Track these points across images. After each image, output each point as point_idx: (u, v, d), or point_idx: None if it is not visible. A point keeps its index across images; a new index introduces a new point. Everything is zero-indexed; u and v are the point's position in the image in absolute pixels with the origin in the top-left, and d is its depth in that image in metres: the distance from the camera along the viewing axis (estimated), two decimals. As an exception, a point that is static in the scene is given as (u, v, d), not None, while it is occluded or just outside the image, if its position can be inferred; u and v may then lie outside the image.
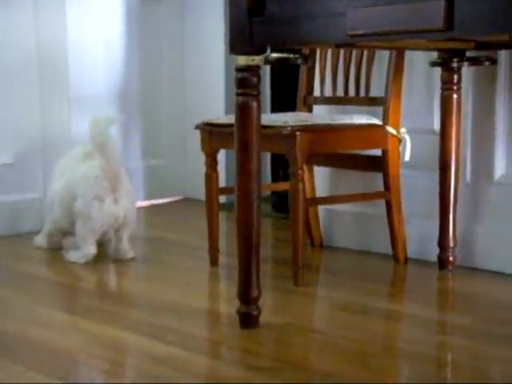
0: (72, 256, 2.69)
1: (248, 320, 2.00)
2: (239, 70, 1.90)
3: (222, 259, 2.66)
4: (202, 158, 2.64)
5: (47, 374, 1.71)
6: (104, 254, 2.74)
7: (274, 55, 1.88)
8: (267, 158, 4.01)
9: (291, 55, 1.91)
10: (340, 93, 2.75)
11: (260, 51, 1.87)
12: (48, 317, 2.13)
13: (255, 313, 2.00)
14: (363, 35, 1.69)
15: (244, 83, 1.90)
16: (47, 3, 3.27)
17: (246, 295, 1.98)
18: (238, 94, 1.91)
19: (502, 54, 2.48)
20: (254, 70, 1.89)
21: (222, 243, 2.70)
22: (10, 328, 2.04)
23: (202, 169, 2.64)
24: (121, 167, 2.70)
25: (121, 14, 3.75)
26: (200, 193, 3.66)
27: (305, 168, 2.42)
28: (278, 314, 2.16)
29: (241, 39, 1.88)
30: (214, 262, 2.65)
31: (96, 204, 2.63)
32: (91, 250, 2.66)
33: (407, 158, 2.59)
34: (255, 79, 1.90)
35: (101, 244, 2.73)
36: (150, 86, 3.90)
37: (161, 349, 1.87)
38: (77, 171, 2.74)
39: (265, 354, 1.88)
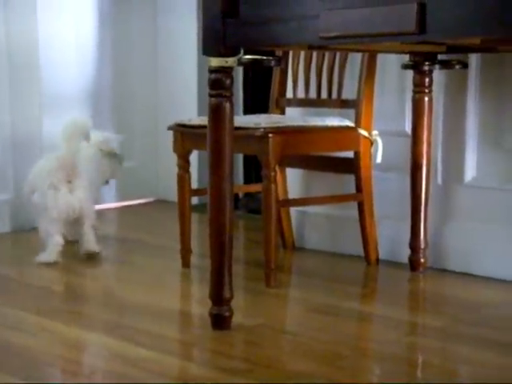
0: (41, 257, 2.67)
1: (220, 321, 1.99)
2: (212, 71, 1.90)
3: (194, 260, 2.66)
4: (174, 159, 2.63)
5: (12, 374, 1.69)
6: (73, 255, 2.73)
7: (247, 57, 1.89)
8: (240, 159, 4.01)
9: (264, 57, 1.91)
10: (313, 95, 2.76)
11: (233, 53, 1.87)
12: (16, 318, 2.11)
13: (227, 314, 2.00)
14: (336, 37, 1.70)
15: (217, 85, 1.90)
16: (17, 4, 3.24)
17: (218, 296, 1.98)
18: (211, 96, 1.91)
19: (473, 58, 2.50)
20: (227, 71, 1.89)
21: (194, 245, 2.69)
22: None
23: (175, 170, 2.63)
24: (79, 160, 2.72)
25: (93, 12, 3.73)
26: (172, 194, 3.66)
27: (277, 169, 2.42)
28: (250, 315, 2.16)
29: (214, 41, 1.88)
30: (185, 263, 2.64)
31: (51, 193, 2.65)
32: (57, 240, 2.66)
33: (379, 159, 2.60)
34: (228, 81, 1.90)
35: (69, 243, 2.72)
36: (121, 86, 3.88)
37: (131, 350, 1.86)
38: (35, 166, 2.77)
39: (237, 356, 1.88)
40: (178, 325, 2.15)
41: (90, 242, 2.71)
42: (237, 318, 2.02)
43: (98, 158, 2.91)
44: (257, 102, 3.98)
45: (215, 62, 1.88)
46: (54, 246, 2.65)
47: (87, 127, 2.74)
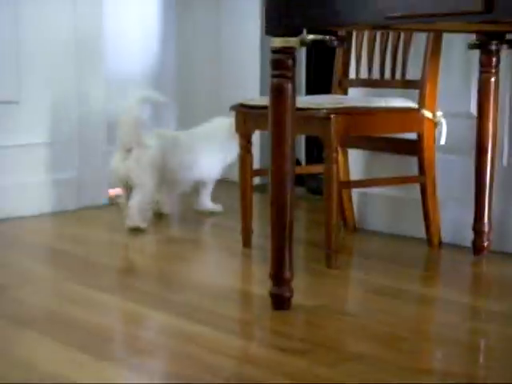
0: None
1: (280, 301, 2.00)
2: (275, 51, 1.89)
3: (254, 241, 2.67)
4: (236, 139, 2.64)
5: (81, 349, 1.73)
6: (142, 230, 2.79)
7: (310, 37, 1.87)
8: (302, 139, 4.00)
9: (327, 37, 1.89)
10: (376, 75, 2.73)
11: (296, 33, 1.87)
12: (81, 294, 2.16)
13: (287, 294, 2.00)
14: (400, 17, 1.67)
15: (279, 65, 1.89)
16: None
17: (279, 276, 1.99)
18: (273, 76, 1.91)
19: (542, 37, 2.44)
20: (289, 51, 1.88)
21: (256, 225, 2.71)
22: (44, 304, 2.07)
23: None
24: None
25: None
26: (234, 174, 3.68)
27: (339, 151, 2.41)
28: (310, 296, 2.16)
29: (277, 20, 1.88)
30: (247, 243, 2.66)
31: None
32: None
33: (443, 141, 2.57)
34: (290, 61, 1.89)
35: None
36: (185, 67, 3.91)
37: (192, 328, 1.88)
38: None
39: (296, 336, 1.89)
40: (239, 304, 2.17)
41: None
42: (297, 299, 2.02)
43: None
44: (319, 83, 3.95)
45: (278, 41, 1.88)
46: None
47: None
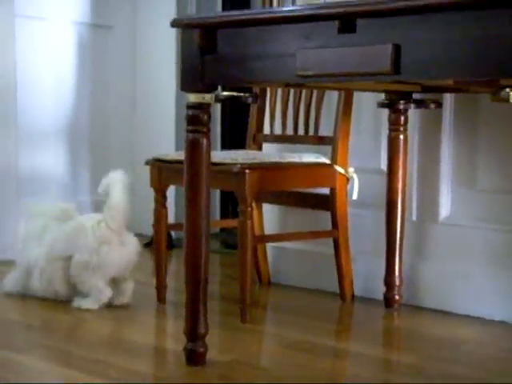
0: (83, 303, 2.56)
1: (194, 357, 1.99)
2: (190, 107, 1.91)
3: (169, 296, 2.65)
4: (150, 193, 2.64)
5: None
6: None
7: (225, 93, 1.90)
8: (216, 194, 4.02)
9: (242, 94, 1.93)
10: (290, 131, 2.78)
11: (211, 89, 1.89)
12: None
13: (202, 350, 1.99)
14: (312, 76, 1.72)
15: (194, 120, 1.91)
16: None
17: (193, 332, 1.98)
18: (188, 131, 1.92)
19: (447, 98, 2.54)
20: (204, 107, 1.90)
21: (170, 280, 2.68)
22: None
23: (151, 205, 2.63)
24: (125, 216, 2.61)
25: (72, 49, 3.75)
26: (148, 228, 3.65)
27: (253, 205, 2.44)
28: (224, 351, 2.15)
29: (192, 77, 1.90)
30: (161, 298, 2.63)
31: (105, 248, 2.55)
32: (107, 293, 2.55)
33: (355, 196, 2.63)
34: (206, 117, 1.91)
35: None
36: (99, 120, 3.89)
37: (105, 386, 1.85)
38: (62, 229, 2.62)
39: (211, 392, 1.87)
40: (153, 360, 2.14)
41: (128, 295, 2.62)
42: (211, 354, 2.01)
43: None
44: (234, 138, 4.01)
45: (193, 97, 1.90)
46: (102, 296, 2.54)
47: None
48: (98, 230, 2.55)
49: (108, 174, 2.64)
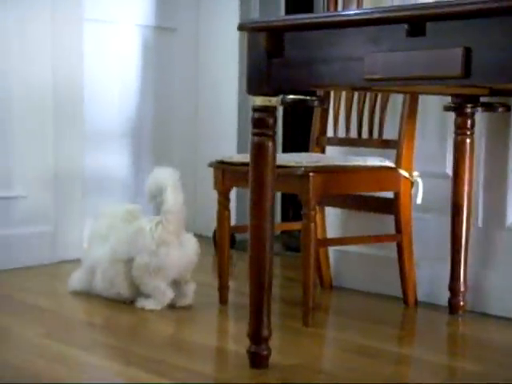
0: (147, 304, 2.58)
1: (258, 360, 1.99)
2: (256, 110, 1.91)
3: (231, 297, 2.66)
4: (212, 195, 2.65)
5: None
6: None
7: (291, 97, 1.90)
8: (278, 197, 4.02)
9: (307, 97, 1.92)
10: (353, 134, 2.77)
11: (277, 92, 1.89)
12: (55, 351, 2.12)
13: (265, 353, 1.99)
14: (380, 80, 1.71)
15: (260, 123, 1.91)
16: (65, 40, 3.31)
17: (257, 335, 1.98)
18: (254, 134, 1.93)
19: (516, 101, 2.50)
20: (270, 110, 1.90)
21: (232, 281, 2.69)
22: (15, 361, 2.04)
23: (213, 206, 2.65)
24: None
25: (136, 51, 3.80)
26: (210, 230, 3.68)
27: (317, 208, 2.43)
28: (287, 354, 2.14)
29: (258, 80, 1.90)
30: (223, 299, 2.65)
31: (163, 250, 2.55)
32: (169, 294, 2.57)
33: (419, 200, 2.59)
34: (271, 120, 1.91)
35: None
36: (162, 123, 3.93)
37: (169, 387, 1.86)
38: (125, 231, 2.63)
39: (274, 395, 1.87)
40: (215, 361, 2.15)
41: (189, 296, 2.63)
42: (273, 357, 2.01)
43: None
44: (295, 141, 4.00)
45: (259, 101, 1.90)
46: (165, 298, 2.56)
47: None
48: (155, 231, 2.56)
49: (154, 171, 2.63)
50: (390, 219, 2.64)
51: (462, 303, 2.55)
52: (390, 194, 2.62)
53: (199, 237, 3.51)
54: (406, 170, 2.58)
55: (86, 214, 3.33)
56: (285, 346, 2.24)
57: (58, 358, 2.07)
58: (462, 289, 2.55)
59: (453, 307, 2.56)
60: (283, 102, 1.89)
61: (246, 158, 2.00)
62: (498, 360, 2.12)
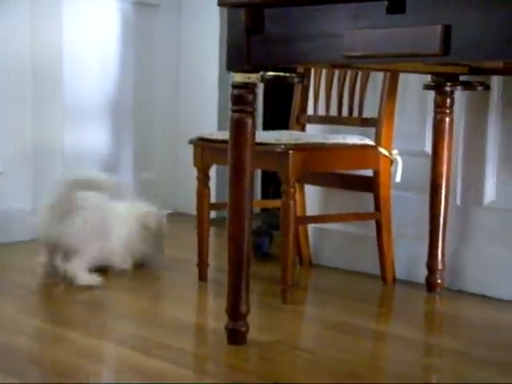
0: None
1: (236, 336, 1.99)
2: (235, 86, 1.91)
3: (210, 274, 2.66)
4: (193, 172, 2.65)
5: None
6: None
7: (271, 73, 1.89)
8: (258, 174, 4.02)
9: (287, 74, 1.92)
10: (333, 112, 2.76)
11: (257, 69, 1.88)
12: (35, 327, 2.12)
13: (243, 329, 2.00)
14: (360, 57, 1.70)
15: (240, 100, 1.91)
16: (44, 14, 3.28)
17: (235, 311, 1.98)
18: (233, 111, 1.92)
19: (495, 80, 2.50)
20: (250, 87, 1.90)
21: (211, 258, 2.70)
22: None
23: (193, 183, 2.65)
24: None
25: (117, 25, 3.76)
26: (190, 207, 3.67)
27: (296, 186, 2.43)
28: (265, 331, 2.15)
29: (238, 57, 1.89)
30: (202, 276, 2.65)
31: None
32: None
33: (398, 179, 2.60)
34: (251, 96, 1.91)
35: None
36: (143, 99, 3.90)
37: (146, 362, 1.86)
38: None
39: (252, 371, 1.88)
40: (194, 338, 2.16)
41: None
42: (252, 334, 2.02)
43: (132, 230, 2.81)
44: (276, 118, 3.99)
45: (239, 77, 1.89)
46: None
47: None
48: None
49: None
50: (369, 197, 2.65)
51: (439, 281, 2.57)
52: (369, 172, 2.63)
53: (180, 214, 3.53)
54: (386, 148, 2.58)
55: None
56: (263, 322, 2.25)
57: (37, 334, 2.06)
58: (439, 267, 2.57)
59: (430, 285, 2.58)
60: (263, 79, 1.88)
61: (226, 135, 1.99)
62: (474, 337, 2.14)
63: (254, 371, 1.88)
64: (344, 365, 1.90)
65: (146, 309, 2.35)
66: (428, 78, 2.51)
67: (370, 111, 2.66)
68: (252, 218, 1.97)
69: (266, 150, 2.37)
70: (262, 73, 1.88)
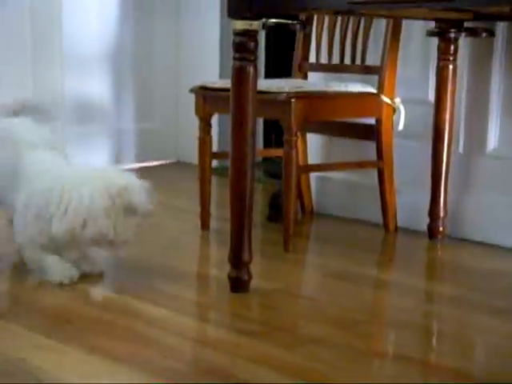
0: None
1: (238, 284, 2.01)
2: (237, 34, 1.89)
3: (212, 223, 2.67)
4: (194, 121, 2.63)
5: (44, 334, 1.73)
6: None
7: (272, 21, 1.87)
8: (260, 123, 4.00)
9: (289, 21, 1.90)
10: (336, 60, 2.74)
11: (258, 16, 1.86)
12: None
13: (246, 277, 2.01)
14: (363, 3, 1.68)
15: (241, 48, 1.89)
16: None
17: (237, 259, 2.00)
18: (235, 59, 1.90)
19: (500, 26, 2.47)
20: (251, 35, 1.88)
21: (214, 207, 2.70)
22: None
23: (195, 132, 2.64)
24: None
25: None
26: (192, 156, 3.67)
27: (298, 135, 2.42)
28: (267, 279, 2.17)
29: (239, 4, 1.87)
30: (205, 225, 2.66)
31: None
32: None
33: (401, 127, 2.59)
34: (252, 44, 1.89)
35: None
36: (143, 48, 3.87)
37: (150, 310, 1.88)
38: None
39: (254, 319, 1.90)
40: (197, 286, 2.17)
41: None
42: (255, 282, 2.03)
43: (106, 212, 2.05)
44: (278, 66, 3.96)
45: (240, 24, 1.87)
46: None
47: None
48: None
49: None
50: (371, 146, 2.64)
51: (440, 228, 2.58)
52: (371, 121, 2.61)
53: (182, 164, 3.52)
54: (388, 96, 2.57)
55: (65, 145, 3.30)
56: (266, 271, 2.26)
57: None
58: (441, 214, 2.57)
59: (432, 232, 2.59)
60: (264, 26, 1.87)
61: (228, 83, 1.97)
62: (475, 283, 2.16)
63: (257, 319, 1.90)
64: (345, 312, 1.92)
65: (148, 257, 2.36)
66: (432, 25, 2.48)
67: (372, 59, 2.64)
68: (254, 166, 1.97)
69: (268, 98, 2.36)
70: (263, 20, 1.86)
